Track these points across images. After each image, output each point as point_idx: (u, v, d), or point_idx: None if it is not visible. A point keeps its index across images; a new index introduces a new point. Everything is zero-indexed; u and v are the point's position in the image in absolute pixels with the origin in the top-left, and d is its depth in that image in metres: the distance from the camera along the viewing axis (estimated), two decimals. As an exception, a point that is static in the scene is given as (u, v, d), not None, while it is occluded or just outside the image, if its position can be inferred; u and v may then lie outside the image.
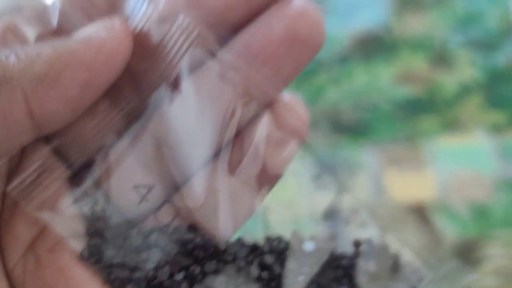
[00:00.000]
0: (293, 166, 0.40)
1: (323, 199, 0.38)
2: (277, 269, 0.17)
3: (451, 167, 0.39)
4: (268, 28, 0.14)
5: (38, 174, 0.15)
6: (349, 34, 0.47)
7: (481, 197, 0.38)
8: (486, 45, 0.46)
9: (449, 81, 0.44)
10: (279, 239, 0.18)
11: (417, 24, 0.48)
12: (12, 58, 0.12)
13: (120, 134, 0.15)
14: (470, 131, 0.41)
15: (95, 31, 0.13)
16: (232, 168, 0.15)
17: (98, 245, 0.16)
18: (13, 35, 0.14)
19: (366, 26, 0.48)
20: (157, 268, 0.16)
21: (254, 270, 0.17)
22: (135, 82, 0.14)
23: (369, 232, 0.19)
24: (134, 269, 0.16)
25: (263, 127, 0.15)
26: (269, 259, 0.17)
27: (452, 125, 0.42)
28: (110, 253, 0.16)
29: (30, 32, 0.14)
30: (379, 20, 0.48)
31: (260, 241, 0.18)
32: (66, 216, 0.15)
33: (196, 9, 0.14)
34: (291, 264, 0.17)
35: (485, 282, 0.34)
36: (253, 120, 0.15)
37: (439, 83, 0.44)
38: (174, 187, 0.15)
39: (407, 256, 0.18)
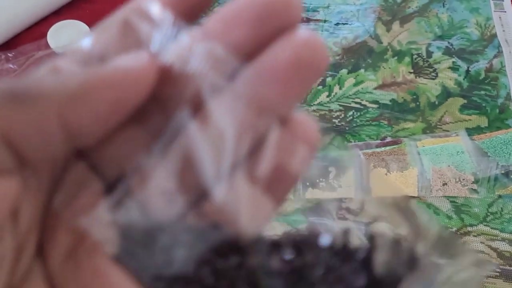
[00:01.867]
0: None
1: (314, 195, 0.39)
2: (296, 262, 0.18)
3: (434, 165, 0.40)
4: (277, 55, 0.15)
5: (76, 187, 0.16)
6: (340, 43, 0.48)
7: (462, 194, 0.39)
8: (468, 52, 0.47)
9: (433, 86, 0.45)
10: (297, 234, 0.18)
11: (403, 33, 0.49)
12: (50, 77, 0.15)
13: (148, 151, 0.16)
14: (452, 132, 0.42)
15: (124, 60, 0.15)
16: (252, 176, 0.16)
17: (129, 248, 0.17)
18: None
19: (356, 35, 0.49)
20: (184, 265, 0.17)
21: (275, 264, 0.18)
22: (161, 106, 0.16)
23: (379, 226, 0.20)
24: (163, 267, 0.17)
25: (278, 139, 0.16)
26: (288, 253, 0.18)
27: (435, 127, 0.43)
28: (141, 254, 0.17)
29: None
30: (368, 29, 0.49)
31: (279, 237, 0.18)
32: (102, 223, 0.16)
33: (215, 42, 0.16)
34: (309, 257, 0.18)
35: (464, 274, 0.35)
36: (269, 133, 0.16)
37: (423, 88, 0.45)
38: (200, 193, 0.17)
39: (422, 249, 0.18)
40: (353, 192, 0.39)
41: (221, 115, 0.16)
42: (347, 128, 0.43)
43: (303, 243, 0.18)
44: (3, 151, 0.14)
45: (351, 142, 0.42)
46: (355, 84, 0.46)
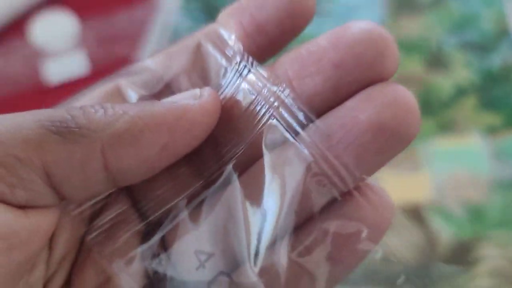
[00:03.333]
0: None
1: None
2: None
3: (447, 168, 0.38)
4: (353, 114, 0.13)
5: (113, 224, 0.15)
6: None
7: (476, 198, 0.37)
8: (481, 47, 0.46)
9: (445, 83, 0.44)
10: None
11: (413, 26, 0.48)
12: (100, 112, 0.13)
13: (194, 197, 0.15)
14: (465, 133, 0.40)
15: (181, 98, 0.13)
16: (297, 254, 0.14)
17: None
18: (115, 98, 0.14)
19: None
20: None
21: None
22: (217, 150, 0.14)
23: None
24: None
25: (337, 215, 0.13)
26: None
27: (447, 127, 0.41)
28: None
29: (133, 95, 0.14)
30: (375, 22, 0.48)
31: None
32: (131, 270, 0.15)
33: (285, 87, 0.14)
34: None
35: (480, 282, 0.33)
36: (327, 206, 0.14)
37: (434, 85, 0.44)
38: (234, 260, 0.15)
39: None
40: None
41: (276, 172, 0.13)
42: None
43: None
44: (42, 188, 0.13)
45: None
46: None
